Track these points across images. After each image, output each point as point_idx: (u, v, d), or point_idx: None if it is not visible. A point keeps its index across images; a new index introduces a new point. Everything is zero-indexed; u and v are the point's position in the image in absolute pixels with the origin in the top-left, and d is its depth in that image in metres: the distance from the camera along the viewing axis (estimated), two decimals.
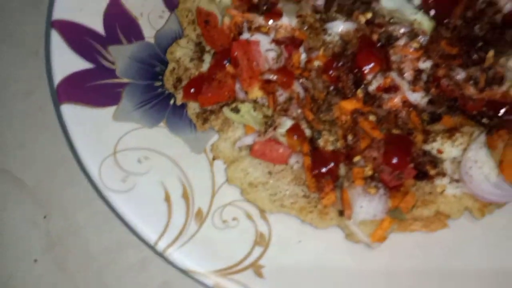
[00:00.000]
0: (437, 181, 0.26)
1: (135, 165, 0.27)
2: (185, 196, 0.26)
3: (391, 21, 0.30)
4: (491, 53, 0.28)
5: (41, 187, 0.32)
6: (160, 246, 0.25)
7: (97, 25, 0.30)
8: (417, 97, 0.27)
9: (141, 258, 0.29)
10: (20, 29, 0.35)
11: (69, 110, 0.27)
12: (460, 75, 0.28)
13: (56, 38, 0.29)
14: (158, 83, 0.30)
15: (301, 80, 0.28)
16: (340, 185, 0.26)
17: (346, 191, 0.26)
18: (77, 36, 0.30)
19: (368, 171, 0.25)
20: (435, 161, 0.26)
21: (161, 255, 0.26)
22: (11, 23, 0.36)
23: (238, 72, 0.28)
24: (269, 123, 0.27)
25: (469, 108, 0.28)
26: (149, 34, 0.32)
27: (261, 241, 0.26)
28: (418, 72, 0.27)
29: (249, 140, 0.27)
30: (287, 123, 0.26)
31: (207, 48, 0.30)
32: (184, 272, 0.26)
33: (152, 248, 0.26)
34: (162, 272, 0.29)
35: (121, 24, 0.32)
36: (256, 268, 0.26)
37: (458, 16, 0.30)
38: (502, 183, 0.26)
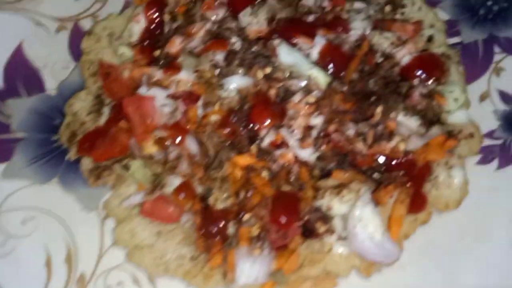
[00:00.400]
0: (326, 239, 0.27)
1: (18, 227, 0.26)
2: (68, 260, 0.25)
3: (289, 76, 0.30)
4: (379, 108, 0.29)
5: None
6: None
7: None
8: (306, 154, 0.27)
9: None
10: None
11: None
12: (351, 130, 0.29)
13: None
14: (55, 137, 0.30)
15: (196, 135, 0.28)
16: (229, 245, 0.26)
17: (232, 252, 0.26)
18: None
19: (255, 230, 0.25)
20: (325, 218, 0.27)
21: None
22: None
23: (131, 127, 0.28)
24: (157, 182, 0.27)
25: (359, 163, 0.28)
26: (51, 86, 0.32)
27: None
28: (308, 128, 0.28)
29: (137, 198, 0.26)
30: (175, 181, 0.27)
31: (107, 101, 0.30)
32: None
33: None
34: None
35: (22, 76, 0.32)
36: None
37: (354, 70, 0.31)
38: (385, 243, 0.26)
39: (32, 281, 0.25)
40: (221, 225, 0.26)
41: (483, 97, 0.33)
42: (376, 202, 0.27)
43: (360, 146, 0.28)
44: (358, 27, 0.33)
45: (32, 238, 0.26)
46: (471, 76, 0.34)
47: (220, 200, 0.27)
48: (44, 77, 0.32)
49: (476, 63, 0.34)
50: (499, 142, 0.31)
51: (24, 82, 0.31)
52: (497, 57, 0.34)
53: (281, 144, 0.28)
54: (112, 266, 0.26)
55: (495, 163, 0.31)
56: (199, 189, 0.27)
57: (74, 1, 0.34)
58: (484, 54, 0.34)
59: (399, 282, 0.27)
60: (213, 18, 0.33)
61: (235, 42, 0.32)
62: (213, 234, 0.26)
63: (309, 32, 0.31)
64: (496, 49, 0.34)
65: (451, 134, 0.30)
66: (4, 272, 0.25)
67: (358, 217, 0.26)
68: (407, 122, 0.29)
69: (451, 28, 0.36)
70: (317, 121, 0.28)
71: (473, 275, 0.28)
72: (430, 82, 0.32)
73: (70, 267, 0.25)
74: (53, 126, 0.30)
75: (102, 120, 0.29)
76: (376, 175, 0.28)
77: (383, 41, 0.33)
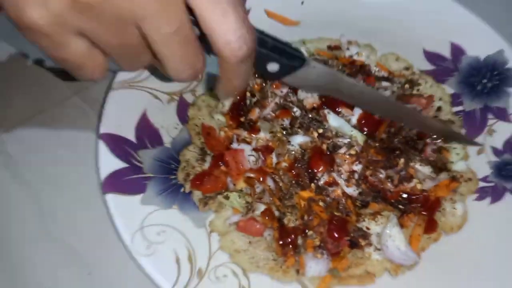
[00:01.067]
0: (366, 249, 0.37)
1: (155, 236, 0.37)
2: (190, 259, 0.36)
3: (336, 134, 0.42)
4: (402, 159, 0.40)
5: (87, 250, 0.42)
6: None
7: (130, 136, 0.43)
8: (351, 190, 0.39)
9: None
10: (74, 136, 0.48)
11: (111, 198, 0.38)
12: (382, 174, 0.40)
13: (102, 146, 0.41)
14: (172, 177, 0.42)
15: (272, 176, 0.40)
16: (298, 251, 0.37)
17: (302, 256, 0.37)
18: (116, 144, 0.42)
19: (316, 242, 0.36)
20: (365, 235, 0.38)
21: None
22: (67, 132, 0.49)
23: (229, 170, 0.40)
24: (249, 207, 0.39)
25: (389, 197, 0.39)
26: (167, 140, 0.45)
27: None
28: (351, 172, 0.39)
29: (235, 218, 0.38)
30: (261, 207, 0.38)
31: (208, 152, 0.43)
32: None
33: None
34: None
35: (147, 134, 0.45)
36: None
37: (382, 131, 0.43)
38: (408, 252, 0.36)
39: (169, 273, 0.36)
40: (292, 238, 0.37)
41: (479, 152, 0.43)
42: (401, 225, 0.38)
43: (388, 185, 0.40)
44: None
45: (165, 244, 0.37)
46: (470, 136, 0.46)
47: (291, 221, 0.38)
48: (162, 134, 0.45)
49: (474, 126, 0.45)
50: (491, 184, 0.41)
51: (148, 138, 0.44)
52: (490, 122, 0.45)
53: (333, 183, 0.40)
54: (218, 264, 0.37)
55: (488, 200, 0.41)
56: (276, 213, 0.39)
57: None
58: (480, 120, 0.45)
59: (417, 281, 0.37)
60: (280, 93, 0.45)
61: (296, 111, 0.44)
62: (287, 244, 0.37)
63: (350, 104, 0.44)
64: (490, 115, 0.46)
65: (454, 178, 0.41)
66: (151, 267, 0.36)
67: (388, 234, 0.37)
68: (422, 170, 0.40)
69: (455, 100, 0.47)
70: (357, 167, 0.40)
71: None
72: (439, 140, 0.44)
73: (191, 264, 0.36)
74: (171, 169, 0.43)
75: (206, 165, 0.42)
76: (401, 206, 0.39)
77: None
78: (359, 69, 0.47)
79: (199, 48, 0.32)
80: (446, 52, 0.48)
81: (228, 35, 0.30)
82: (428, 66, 0.48)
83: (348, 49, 0.48)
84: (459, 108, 0.47)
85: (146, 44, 0.30)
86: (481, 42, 0.47)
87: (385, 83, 0.46)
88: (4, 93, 0.52)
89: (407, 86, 0.46)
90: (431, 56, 0.49)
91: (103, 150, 0.42)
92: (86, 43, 0.30)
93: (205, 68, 0.34)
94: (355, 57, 0.47)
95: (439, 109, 0.45)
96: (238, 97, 0.45)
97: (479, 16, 0.49)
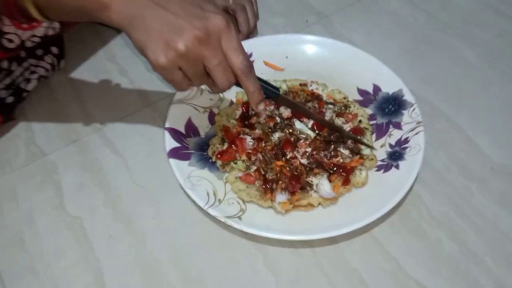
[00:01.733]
0: (310, 191, 0.61)
1: (196, 181, 0.63)
2: (214, 193, 0.60)
3: (299, 132, 0.72)
4: (333, 146, 0.68)
5: (158, 190, 0.65)
6: (205, 208, 0.57)
7: (181, 129, 0.71)
8: (304, 161, 0.65)
9: None
10: (148, 129, 0.78)
11: (172, 161, 0.58)
12: (322, 154, 0.68)
13: (167, 134, 0.70)
14: (205, 153, 0.65)
15: (261, 152, 0.68)
16: (273, 190, 0.62)
17: (275, 193, 0.60)
18: (174, 133, 0.71)
19: (283, 186, 0.56)
20: (310, 184, 0.63)
21: (205, 211, 0.57)
22: (143, 127, 0.75)
23: (237, 149, 0.69)
24: (247, 168, 0.66)
25: (324, 166, 0.66)
26: (202, 133, 0.71)
27: (241, 211, 0.63)
28: (305, 152, 0.67)
29: (239, 174, 0.59)
30: (254, 168, 0.64)
31: (226, 140, 0.70)
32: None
33: (202, 209, 0.58)
34: None
35: (191, 129, 0.73)
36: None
37: (325, 132, 0.70)
38: (331, 192, 0.61)
39: (203, 199, 0.56)
40: (270, 184, 0.65)
41: (381, 145, 0.66)
42: (329, 180, 0.66)
43: (324, 159, 0.67)
44: (329, 115, 0.75)
45: (201, 186, 0.62)
46: (378, 137, 0.69)
47: (270, 176, 0.65)
48: (199, 130, 0.74)
49: (381, 132, 0.66)
50: (385, 163, 0.61)
51: (192, 132, 0.72)
52: (390, 129, 0.66)
53: (294, 157, 0.67)
54: (229, 197, 0.58)
55: (382, 171, 0.61)
56: (262, 171, 0.66)
57: (210, 100, 0.77)
58: (385, 128, 0.71)
59: (336, 210, 0.59)
60: (269, 109, 0.74)
61: (277, 119, 0.74)
62: (267, 187, 0.65)
63: (308, 116, 0.73)
64: (390, 126, 0.69)
65: (362, 157, 0.62)
66: (194, 195, 0.61)
67: (322, 183, 0.63)
68: (344, 152, 0.67)
69: (372, 117, 0.67)
70: (308, 149, 0.67)
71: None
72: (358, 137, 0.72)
73: (215, 196, 0.61)
74: (204, 148, 0.69)
75: (225, 146, 0.70)
76: (330, 171, 0.66)
77: (339, 121, 0.75)
78: (316, 97, 0.75)
79: (231, 73, 0.51)
80: (370, 89, 0.71)
81: (254, 97, 0.54)
82: (359, 97, 0.71)
83: (311, 85, 0.76)
84: (373, 121, 0.68)
85: (206, 72, 0.50)
86: (390, 84, 0.69)
87: (330, 106, 0.75)
88: (96, 103, 0.73)
89: (343, 108, 0.75)
90: (361, 92, 0.71)
91: (167, 136, 0.69)
92: (181, 73, 0.48)
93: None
94: (315, 90, 0.72)
95: (360, 121, 0.73)
96: (244, 109, 0.75)
97: (389, 66, 0.72)
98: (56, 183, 0.64)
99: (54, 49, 0.73)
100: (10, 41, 0.61)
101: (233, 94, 0.69)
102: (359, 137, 0.63)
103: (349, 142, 0.63)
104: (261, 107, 0.55)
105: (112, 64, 0.77)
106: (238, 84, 0.52)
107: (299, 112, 0.63)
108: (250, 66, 0.51)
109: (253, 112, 0.67)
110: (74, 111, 0.71)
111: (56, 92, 0.74)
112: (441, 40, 0.80)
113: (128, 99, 0.73)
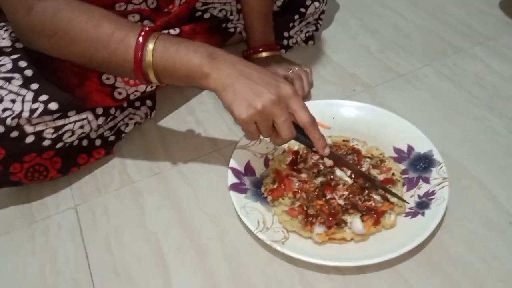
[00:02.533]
0: (344, 227, 0.76)
1: (249, 212, 0.77)
2: (264, 222, 0.75)
3: (339, 179, 0.84)
4: (366, 191, 0.80)
5: (220, 217, 0.82)
6: (255, 232, 0.68)
7: (241, 169, 0.86)
8: (341, 202, 0.76)
9: None
10: (214, 168, 0.95)
11: (232, 193, 0.73)
12: (357, 197, 0.80)
13: (230, 172, 0.84)
14: (259, 190, 0.78)
15: (305, 192, 0.81)
16: (312, 224, 0.76)
17: (314, 226, 0.75)
18: (236, 172, 0.86)
19: (321, 220, 0.73)
20: (345, 222, 0.76)
21: (255, 235, 0.68)
22: (212, 166, 0.98)
23: (285, 188, 0.82)
24: (292, 203, 0.79)
25: (358, 207, 0.76)
26: (258, 174, 0.87)
27: (285, 238, 0.76)
28: (342, 195, 0.80)
29: (285, 208, 0.74)
30: (297, 203, 0.76)
31: (276, 180, 0.84)
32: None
33: (252, 233, 0.69)
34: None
35: (249, 170, 0.88)
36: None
37: (360, 180, 0.84)
38: (362, 229, 0.74)
39: (254, 225, 0.75)
40: (311, 219, 0.78)
41: (411, 196, 0.75)
42: (362, 219, 0.77)
43: (359, 202, 0.79)
44: (366, 166, 0.87)
45: (253, 214, 0.78)
46: (408, 189, 0.82)
47: (311, 211, 0.78)
48: (256, 171, 0.89)
49: (412, 184, 0.76)
50: (412, 210, 0.69)
51: (249, 172, 0.85)
52: (420, 183, 0.81)
53: (333, 198, 0.80)
54: (276, 226, 0.71)
55: (409, 217, 0.68)
56: (305, 207, 0.80)
57: (266, 148, 0.93)
58: (415, 181, 0.82)
59: (367, 245, 0.67)
60: (315, 158, 0.89)
61: (321, 166, 0.87)
62: (308, 220, 0.76)
63: (346, 166, 0.85)
64: (420, 180, 0.84)
65: (391, 203, 0.73)
66: (247, 221, 0.76)
67: (355, 221, 0.76)
68: (376, 197, 0.79)
69: (404, 172, 0.84)
70: (345, 193, 0.79)
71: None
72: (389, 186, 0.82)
73: (264, 223, 0.77)
74: (258, 186, 0.85)
75: (275, 186, 0.83)
76: (363, 212, 0.77)
77: (374, 172, 0.86)
78: (356, 151, 0.87)
79: (293, 128, 0.64)
80: (404, 148, 0.81)
81: (320, 143, 0.66)
82: (394, 155, 0.79)
83: (352, 142, 0.90)
84: (406, 175, 0.76)
85: (274, 127, 0.62)
86: (422, 145, 0.78)
87: (368, 159, 0.88)
88: (176, 145, 0.90)
89: (379, 162, 0.87)
90: (396, 150, 0.80)
91: (230, 173, 0.81)
92: (255, 126, 0.60)
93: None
94: (355, 146, 0.87)
95: (393, 174, 0.85)
96: (293, 157, 0.90)
97: (422, 130, 0.81)
98: (140, 205, 0.80)
99: (149, 102, 0.91)
100: (120, 93, 0.79)
101: (285, 145, 0.84)
102: (388, 187, 0.74)
103: (380, 190, 0.75)
104: (327, 150, 0.67)
105: (191, 116, 0.94)
106: (295, 138, 0.66)
107: (339, 162, 0.72)
108: (314, 120, 0.64)
109: (301, 159, 0.81)
110: (159, 151, 0.88)
111: (146, 135, 0.92)
112: (473, 111, 0.89)
113: (201, 144, 0.87)
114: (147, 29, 0.59)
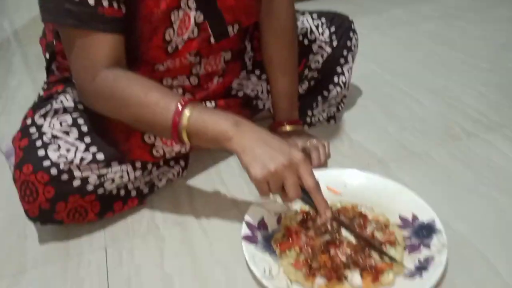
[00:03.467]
0: (344, 281, 0.81)
1: (258, 261, 0.83)
2: (270, 271, 0.84)
3: (344, 238, 0.91)
4: (367, 251, 0.87)
5: (232, 258, 0.88)
6: (261, 279, 0.77)
7: (255, 223, 0.94)
8: (344, 259, 0.83)
9: None
10: (231, 221, 1.06)
11: (244, 244, 0.78)
12: (358, 255, 0.87)
13: (244, 225, 0.92)
14: (269, 243, 0.91)
15: (311, 247, 0.89)
16: (315, 275, 0.83)
17: (316, 277, 0.82)
18: (250, 226, 0.94)
19: (322, 273, 0.81)
20: (345, 276, 0.82)
21: (261, 281, 0.75)
22: (231, 224, 1.06)
23: (293, 242, 0.89)
24: (297, 256, 0.88)
25: (359, 264, 0.85)
26: (270, 230, 0.96)
27: (288, 286, 0.82)
28: (345, 252, 0.87)
29: (292, 260, 0.85)
30: (302, 256, 0.85)
31: (286, 235, 0.95)
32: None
33: (257, 279, 0.77)
34: None
35: (262, 225, 0.96)
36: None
37: (362, 241, 0.90)
38: (361, 285, 0.80)
39: (260, 272, 0.81)
40: (313, 271, 0.84)
41: (412, 260, 0.85)
42: (361, 275, 0.81)
43: (360, 259, 0.85)
44: (370, 229, 0.94)
45: (261, 263, 0.82)
46: (410, 252, 0.89)
47: (314, 264, 0.85)
48: (268, 227, 0.97)
49: (414, 247, 0.85)
50: (411, 271, 0.77)
51: (263, 227, 0.94)
52: (421, 248, 0.89)
53: (336, 255, 0.87)
54: (281, 276, 0.82)
55: (408, 278, 0.79)
56: (309, 261, 0.86)
57: (280, 207, 1.03)
58: (417, 246, 0.89)
59: None
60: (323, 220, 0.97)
61: (329, 226, 0.95)
62: (311, 272, 0.82)
63: (348, 229, 0.93)
64: (421, 246, 0.90)
65: (392, 263, 0.83)
66: (254, 269, 0.83)
67: (355, 277, 0.81)
68: (376, 257, 0.86)
69: (407, 238, 0.92)
70: (348, 251, 0.87)
71: None
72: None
73: (270, 273, 0.86)
74: (268, 240, 0.93)
75: (284, 239, 0.93)
76: (363, 268, 0.84)
77: (377, 234, 0.93)
78: (363, 216, 0.96)
79: (300, 190, 0.72)
80: (409, 217, 0.87)
81: (322, 206, 0.74)
82: (399, 222, 0.85)
83: (360, 207, 0.99)
84: (408, 242, 0.89)
85: (283, 187, 0.71)
86: (425, 215, 0.83)
87: (373, 224, 0.95)
88: (201, 202, 1.03)
89: (383, 226, 0.94)
90: (401, 218, 0.88)
91: (244, 226, 0.88)
92: (267, 185, 0.68)
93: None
94: (363, 211, 0.96)
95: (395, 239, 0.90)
96: (304, 216, 0.98)
97: (429, 202, 0.86)
98: (161, 249, 0.90)
99: (182, 162, 1.01)
100: (157, 151, 0.91)
101: (298, 206, 0.94)
102: (388, 246, 0.81)
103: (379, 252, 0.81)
104: (328, 214, 0.73)
105: (217, 177, 1.07)
106: (301, 199, 0.74)
107: (341, 225, 0.79)
108: (318, 185, 0.72)
109: (310, 219, 0.90)
110: (185, 205, 0.99)
111: (176, 191, 1.04)
112: (482, 190, 0.94)
113: (223, 201, 0.97)
114: (187, 99, 0.70)
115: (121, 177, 0.83)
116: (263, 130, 0.70)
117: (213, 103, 0.93)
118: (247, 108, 1.03)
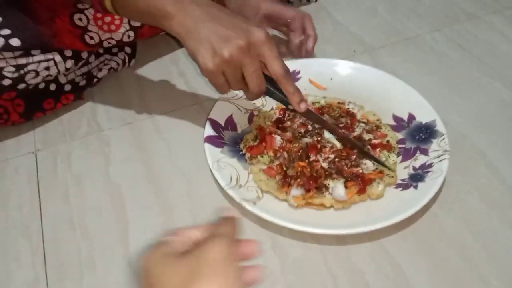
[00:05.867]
0: (325, 192, 0.73)
1: (223, 166, 0.71)
2: (237, 179, 0.73)
3: (327, 141, 0.80)
4: (354, 156, 0.77)
5: (191, 168, 0.81)
6: (225, 188, 0.66)
7: (222, 122, 0.83)
8: (325, 165, 0.75)
9: None
10: (194, 118, 0.92)
11: (207, 146, 0.70)
12: (344, 161, 0.77)
13: (207, 124, 0.81)
14: (237, 146, 0.79)
15: (287, 151, 0.78)
16: (290, 185, 0.73)
17: (291, 187, 0.71)
18: (214, 124, 0.83)
19: (300, 182, 0.70)
20: (326, 186, 0.73)
21: (226, 191, 0.66)
22: (191, 117, 0.92)
23: (266, 145, 0.78)
24: (271, 162, 0.77)
25: (343, 172, 0.74)
26: (239, 130, 0.85)
27: (258, 198, 0.72)
28: (328, 157, 0.76)
29: (263, 166, 0.76)
30: (277, 162, 0.72)
31: (258, 137, 0.83)
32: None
33: (224, 192, 0.66)
34: None
35: (230, 124, 0.84)
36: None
37: (348, 143, 0.80)
38: (344, 196, 0.70)
39: (226, 181, 0.65)
40: (289, 179, 0.74)
41: (405, 167, 0.76)
42: (346, 186, 0.73)
43: (345, 168, 0.76)
44: (359, 131, 0.83)
45: (227, 170, 0.70)
46: (404, 159, 0.77)
47: (291, 173, 0.75)
48: (237, 126, 0.86)
49: (408, 155, 0.76)
50: (405, 182, 0.67)
51: (230, 126, 0.83)
52: (417, 154, 0.79)
53: (317, 161, 0.77)
54: (250, 185, 0.70)
55: (400, 188, 0.66)
56: (284, 167, 0.76)
57: (253, 104, 0.89)
58: (412, 152, 0.80)
59: (346, 214, 0.66)
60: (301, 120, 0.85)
61: (310, 127, 0.84)
62: (286, 181, 0.74)
63: (331, 131, 0.81)
64: (417, 152, 0.80)
65: (381, 172, 0.69)
66: (219, 176, 0.72)
67: (337, 187, 0.73)
68: (367, 163, 0.76)
69: (401, 141, 0.78)
70: (332, 156, 0.77)
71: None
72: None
73: (237, 181, 0.72)
74: (237, 143, 0.81)
75: (256, 143, 0.82)
76: (348, 177, 0.75)
77: (366, 137, 0.82)
78: (350, 114, 0.84)
79: (263, 80, 0.63)
80: (405, 117, 0.79)
81: (294, 98, 0.63)
82: (393, 123, 0.77)
83: (348, 104, 0.87)
84: (402, 145, 0.74)
85: (244, 79, 0.60)
86: (425, 114, 0.77)
87: (362, 124, 0.84)
88: (153, 96, 0.87)
89: (374, 127, 0.83)
90: (396, 118, 0.79)
91: (208, 125, 0.78)
92: (224, 77, 0.58)
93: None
94: (350, 109, 0.87)
95: (387, 141, 0.81)
96: (281, 114, 0.86)
97: (427, 98, 0.79)
98: (106, 154, 0.77)
99: (128, 49, 0.88)
100: (91, 38, 0.77)
101: (274, 102, 0.80)
102: (384, 153, 0.70)
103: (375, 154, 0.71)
104: (303, 106, 0.64)
105: (174, 66, 0.92)
106: (268, 94, 0.64)
107: (320, 124, 0.71)
108: (287, 71, 0.60)
109: (288, 118, 0.77)
110: (134, 100, 0.86)
111: (123, 83, 0.90)
112: (483, 81, 0.87)
113: (181, 96, 0.86)
114: None
115: (47, 68, 0.70)
116: (213, 3, 0.58)
117: None
118: None
